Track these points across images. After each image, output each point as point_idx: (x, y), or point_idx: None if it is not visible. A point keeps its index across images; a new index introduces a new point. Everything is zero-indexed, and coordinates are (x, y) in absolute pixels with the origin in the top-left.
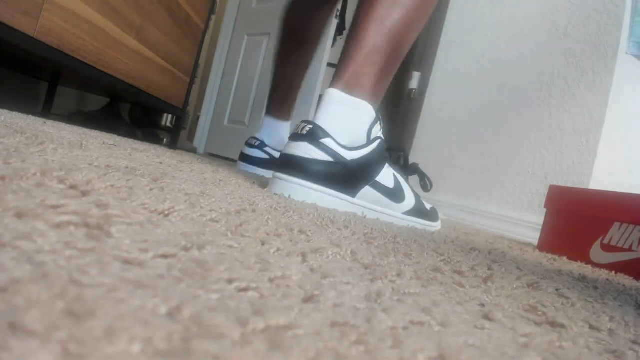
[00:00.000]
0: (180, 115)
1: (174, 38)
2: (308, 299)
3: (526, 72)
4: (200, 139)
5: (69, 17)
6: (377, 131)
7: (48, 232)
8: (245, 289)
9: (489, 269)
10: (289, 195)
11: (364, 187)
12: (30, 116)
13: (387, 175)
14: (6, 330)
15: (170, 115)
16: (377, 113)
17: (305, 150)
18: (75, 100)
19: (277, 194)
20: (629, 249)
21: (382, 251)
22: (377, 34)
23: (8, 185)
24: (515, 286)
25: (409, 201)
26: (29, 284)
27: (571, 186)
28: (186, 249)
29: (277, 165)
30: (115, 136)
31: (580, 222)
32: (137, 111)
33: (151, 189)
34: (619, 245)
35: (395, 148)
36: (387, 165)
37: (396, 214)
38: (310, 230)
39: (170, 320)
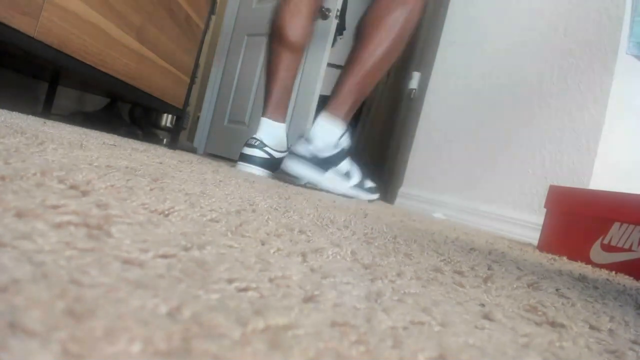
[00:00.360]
0: (180, 115)
1: (174, 38)
2: (308, 299)
3: (526, 72)
4: (200, 139)
5: (69, 17)
6: (344, 140)
7: (48, 232)
8: (245, 289)
9: (489, 269)
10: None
11: (330, 168)
12: (30, 116)
13: (345, 164)
14: (6, 330)
15: (170, 115)
16: (346, 129)
17: (298, 149)
18: (75, 100)
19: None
20: (629, 249)
21: (382, 251)
22: (355, 77)
23: (8, 185)
24: (515, 286)
25: (356, 179)
26: (29, 284)
27: (571, 186)
28: (186, 249)
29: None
30: (115, 136)
31: (580, 222)
32: (137, 111)
33: (151, 189)
34: (619, 245)
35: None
36: (346, 158)
37: (346, 187)
38: (310, 230)
39: (170, 320)
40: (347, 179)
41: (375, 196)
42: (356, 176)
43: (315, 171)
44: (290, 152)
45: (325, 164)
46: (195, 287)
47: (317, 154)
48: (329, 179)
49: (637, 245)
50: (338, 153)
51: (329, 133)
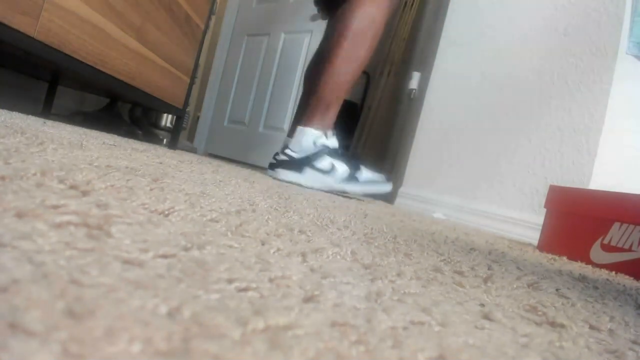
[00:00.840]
0: (180, 115)
1: (174, 38)
2: (308, 299)
3: (526, 72)
4: (200, 139)
5: (69, 17)
6: (323, 141)
7: (48, 232)
8: (245, 289)
9: (489, 269)
10: (277, 175)
11: (305, 168)
12: (30, 116)
13: (324, 161)
14: (6, 330)
15: (170, 115)
16: (324, 132)
17: (279, 157)
18: (75, 100)
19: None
20: (629, 249)
21: (382, 251)
22: (323, 89)
23: (8, 185)
24: (515, 286)
25: (342, 173)
26: (29, 284)
27: (571, 186)
28: (186, 249)
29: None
30: (115, 136)
31: (580, 222)
32: (137, 111)
33: (151, 189)
34: (619, 245)
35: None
36: (325, 156)
37: (331, 182)
38: (310, 230)
39: (170, 320)
40: (331, 175)
41: (386, 188)
42: (342, 170)
43: (293, 172)
44: (273, 159)
45: (301, 164)
46: (195, 287)
47: (294, 155)
48: (308, 177)
49: (637, 245)
50: (315, 153)
51: (304, 139)
